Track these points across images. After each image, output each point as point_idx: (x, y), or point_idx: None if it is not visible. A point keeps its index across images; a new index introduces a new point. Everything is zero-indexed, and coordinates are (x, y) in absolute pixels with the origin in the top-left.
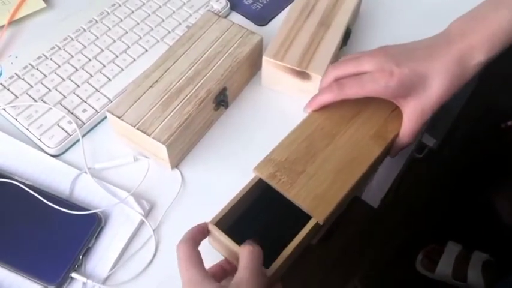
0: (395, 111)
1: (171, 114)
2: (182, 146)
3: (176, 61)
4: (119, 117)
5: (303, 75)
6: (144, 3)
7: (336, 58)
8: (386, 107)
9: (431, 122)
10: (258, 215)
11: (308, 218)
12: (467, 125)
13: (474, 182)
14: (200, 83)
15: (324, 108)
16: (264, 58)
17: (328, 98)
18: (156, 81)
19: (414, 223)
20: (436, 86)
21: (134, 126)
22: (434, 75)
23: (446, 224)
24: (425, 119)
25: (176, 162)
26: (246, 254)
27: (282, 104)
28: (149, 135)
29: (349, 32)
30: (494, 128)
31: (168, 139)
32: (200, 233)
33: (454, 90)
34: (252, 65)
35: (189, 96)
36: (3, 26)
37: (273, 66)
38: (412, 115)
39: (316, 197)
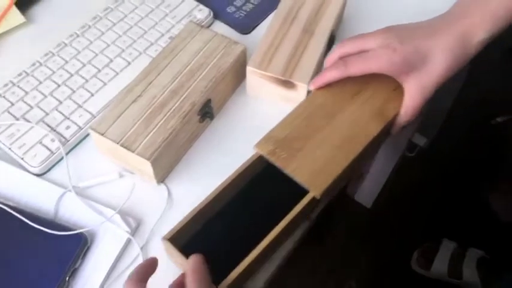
0: (397, 91)
1: (155, 129)
2: (167, 160)
3: (159, 74)
4: (102, 134)
5: (287, 84)
6: (125, 15)
7: (320, 65)
8: (388, 86)
9: (422, 121)
10: (230, 221)
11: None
12: (458, 123)
13: (467, 179)
14: (184, 96)
15: (326, 87)
16: (248, 68)
17: (333, 75)
18: (139, 96)
19: (408, 222)
20: (438, 62)
21: (118, 143)
22: (436, 52)
23: (440, 222)
24: (426, 96)
25: (162, 177)
26: (189, 269)
27: (268, 113)
28: (133, 152)
29: (333, 38)
30: (485, 125)
31: (152, 155)
32: (146, 268)
33: (456, 68)
34: (236, 75)
35: (172, 109)
36: None
37: (257, 76)
38: (414, 91)
39: (314, 172)
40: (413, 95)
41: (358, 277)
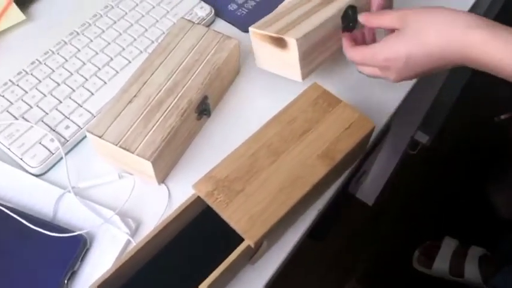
0: (348, 130)
1: (154, 128)
2: (167, 160)
3: (154, 73)
4: (100, 137)
5: (282, 44)
6: (126, 13)
7: (328, 31)
8: (340, 125)
9: (424, 119)
10: (166, 267)
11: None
12: (461, 120)
13: (469, 176)
14: (180, 94)
15: (274, 123)
16: (250, 29)
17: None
18: (135, 96)
19: (410, 220)
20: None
21: (116, 145)
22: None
23: (442, 220)
24: None
25: (162, 177)
26: None
27: (265, 106)
28: (133, 153)
29: (354, 12)
30: (488, 122)
31: (153, 155)
32: None
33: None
34: (231, 69)
35: (170, 108)
36: None
37: (257, 38)
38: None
39: (252, 218)
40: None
41: (359, 275)
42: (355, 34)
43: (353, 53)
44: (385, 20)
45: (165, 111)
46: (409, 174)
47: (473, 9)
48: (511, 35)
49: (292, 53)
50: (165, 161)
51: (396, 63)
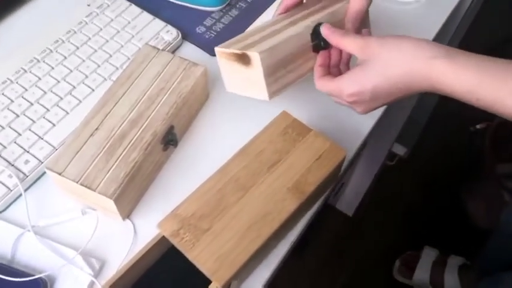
0: (319, 160)
1: (116, 163)
2: (132, 195)
3: (116, 103)
4: (60, 174)
5: (247, 61)
6: (89, 38)
7: (295, 48)
8: (310, 155)
9: (400, 132)
10: (161, 277)
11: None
12: (437, 131)
13: (447, 186)
14: (144, 125)
15: (242, 156)
16: (216, 49)
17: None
18: (97, 129)
19: (390, 230)
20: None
21: (77, 182)
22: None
23: (422, 230)
24: None
25: (127, 213)
26: None
27: (235, 134)
28: (94, 190)
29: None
30: (464, 132)
31: (115, 192)
32: None
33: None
34: (199, 97)
35: (133, 141)
36: None
37: (224, 59)
38: None
39: (219, 258)
40: None
41: (340, 286)
42: (331, 52)
43: (320, 85)
44: (347, 43)
45: (128, 144)
46: (388, 184)
47: (440, 33)
48: (473, 65)
49: (257, 69)
50: (129, 197)
51: (362, 97)
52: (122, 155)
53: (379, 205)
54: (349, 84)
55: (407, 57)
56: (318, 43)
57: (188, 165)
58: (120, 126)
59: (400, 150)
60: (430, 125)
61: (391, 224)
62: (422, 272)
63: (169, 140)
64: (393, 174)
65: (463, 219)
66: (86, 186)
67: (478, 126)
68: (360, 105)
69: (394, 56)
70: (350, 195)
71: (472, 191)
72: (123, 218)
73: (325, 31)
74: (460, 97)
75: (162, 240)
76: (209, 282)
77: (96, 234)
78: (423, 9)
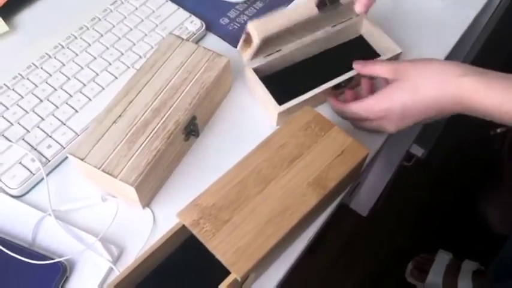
0: (341, 157)
1: (138, 151)
2: (152, 184)
3: (140, 92)
4: (82, 159)
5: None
6: (113, 26)
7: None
8: (332, 151)
9: (420, 132)
10: (178, 267)
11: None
12: (456, 133)
13: (464, 190)
14: (167, 115)
15: (264, 148)
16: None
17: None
18: (120, 116)
19: (404, 232)
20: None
21: (99, 168)
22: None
23: (436, 233)
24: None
25: (147, 201)
26: None
27: (256, 125)
28: (116, 177)
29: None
30: (484, 136)
31: (137, 179)
32: None
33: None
34: (221, 88)
35: (156, 129)
36: None
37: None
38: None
39: (238, 250)
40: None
41: (352, 286)
42: (346, 94)
43: (348, 107)
44: (379, 69)
45: (151, 133)
46: (404, 185)
47: (455, 49)
48: (501, 81)
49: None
50: (150, 185)
51: (392, 113)
52: (145, 143)
53: (393, 206)
54: (380, 99)
55: (438, 76)
56: (190, 132)
57: (209, 156)
58: (143, 115)
59: (418, 151)
60: (449, 127)
61: (405, 225)
62: (435, 276)
63: (191, 130)
64: (410, 175)
65: (478, 223)
66: (107, 173)
67: (498, 130)
68: (389, 122)
69: (424, 76)
70: (365, 195)
71: (488, 196)
72: (143, 206)
73: (357, 67)
74: (490, 113)
75: (181, 230)
76: (223, 276)
77: (116, 221)
78: (451, 7)
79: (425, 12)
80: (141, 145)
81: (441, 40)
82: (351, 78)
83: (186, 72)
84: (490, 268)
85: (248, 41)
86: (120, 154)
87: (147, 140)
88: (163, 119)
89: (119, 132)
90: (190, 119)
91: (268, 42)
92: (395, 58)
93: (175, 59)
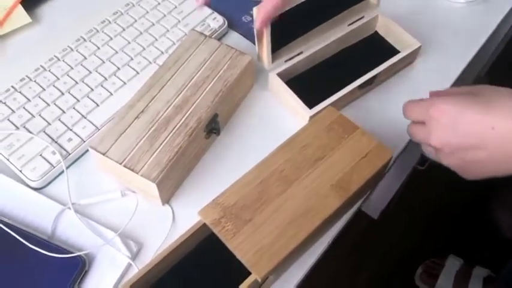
0: (365, 159)
1: (160, 147)
2: (173, 180)
3: (162, 88)
4: (103, 154)
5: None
6: (135, 20)
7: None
8: (356, 154)
9: None
10: (194, 267)
11: (249, 272)
12: None
13: (476, 195)
14: (189, 112)
15: (286, 148)
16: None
17: None
18: (142, 112)
19: (414, 236)
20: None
21: (121, 164)
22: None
23: (448, 237)
24: None
25: (167, 198)
26: None
27: (278, 125)
28: (137, 173)
29: None
30: None
31: (158, 176)
32: None
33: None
34: (244, 86)
35: (178, 126)
36: None
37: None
38: None
39: (260, 250)
40: None
41: None
42: None
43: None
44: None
45: (173, 129)
46: (416, 189)
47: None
48: None
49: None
50: (171, 182)
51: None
52: (167, 139)
53: (405, 210)
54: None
55: None
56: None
57: (229, 155)
58: (165, 111)
59: None
60: None
61: (416, 229)
62: (445, 281)
63: (213, 128)
64: (422, 179)
65: (490, 229)
66: (129, 169)
67: None
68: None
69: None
70: (377, 197)
71: (501, 201)
72: (163, 203)
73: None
74: None
75: (201, 229)
76: (240, 277)
77: (135, 217)
78: (477, 8)
79: (445, 12)
80: (163, 141)
81: (464, 42)
82: (375, 76)
83: (208, 69)
84: (501, 275)
85: (260, 37)
86: (142, 150)
87: (169, 136)
88: (186, 116)
89: (141, 127)
90: (212, 116)
91: (283, 39)
92: (415, 53)
93: (199, 55)
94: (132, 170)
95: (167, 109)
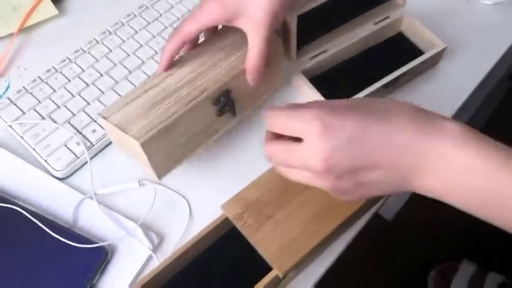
0: None
1: (157, 113)
2: (169, 150)
3: (182, 66)
4: (105, 118)
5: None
6: (160, 15)
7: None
8: None
9: None
10: (213, 262)
11: (269, 268)
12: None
13: None
14: (197, 84)
15: None
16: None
17: None
18: (155, 85)
19: (428, 238)
20: None
21: (115, 125)
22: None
23: (462, 241)
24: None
25: (162, 170)
26: None
27: None
28: (127, 133)
29: None
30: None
31: (144, 136)
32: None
33: None
34: (267, 77)
35: (181, 96)
36: (12, 34)
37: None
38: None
39: (281, 246)
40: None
41: None
42: None
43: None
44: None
45: (175, 98)
46: None
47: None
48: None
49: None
50: (165, 151)
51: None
52: (165, 106)
53: (419, 212)
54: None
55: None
56: (223, 107)
57: (249, 149)
58: (175, 84)
59: None
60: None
61: (430, 232)
62: (458, 286)
63: (224, 103)
64: None
65: (506, 234)
66: (120, 129)
67: None
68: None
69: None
70: (391, 199)
71: None
72: (158, 176)
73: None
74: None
75: (224, 222)
76: (263, 269)
77: (154, 206)
78: (504, 10)
79: (472, 14)
80: (160, 108)
81: (489, 45)
82: (399, 76)
83: (233, 49)
84: None
85: (286, 33)
86: (139, 115)
87: (169, 104)
88: (192, 88)
89: (147, 98)
90: (222, 90)
91: (308, 37)
92: (440, 54)
93: (225, 40)
94: (123, 131)
95: (178, 83)
